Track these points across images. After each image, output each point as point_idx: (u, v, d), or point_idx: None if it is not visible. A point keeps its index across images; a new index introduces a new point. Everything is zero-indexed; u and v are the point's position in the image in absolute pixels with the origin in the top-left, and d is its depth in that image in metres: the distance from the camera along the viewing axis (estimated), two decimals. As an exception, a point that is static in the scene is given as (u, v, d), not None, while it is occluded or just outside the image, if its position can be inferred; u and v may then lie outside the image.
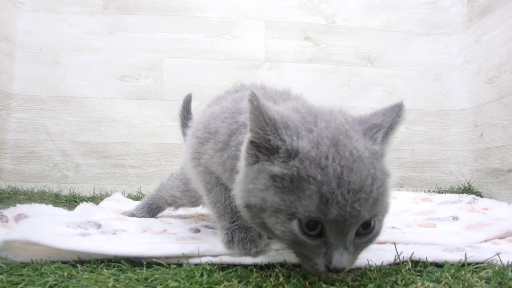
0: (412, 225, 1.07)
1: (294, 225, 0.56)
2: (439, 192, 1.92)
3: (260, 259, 0.68)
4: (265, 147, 0.59)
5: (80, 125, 1.94)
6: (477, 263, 0.69)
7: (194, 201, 1.08)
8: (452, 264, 0.68)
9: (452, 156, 2.16)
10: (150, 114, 1.98)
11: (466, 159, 2.12)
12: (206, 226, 1.00)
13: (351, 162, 0.55)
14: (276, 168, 0.57)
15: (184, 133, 1.35)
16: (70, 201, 1.62)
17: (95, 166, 1.92)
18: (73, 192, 1.81)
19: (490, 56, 1.98)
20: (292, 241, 0.58)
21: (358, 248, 0.59)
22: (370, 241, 0.60)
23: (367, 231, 0.58)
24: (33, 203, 1.13)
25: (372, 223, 0.58)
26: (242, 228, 0.72)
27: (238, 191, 0.62)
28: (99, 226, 0.90)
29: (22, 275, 0.62)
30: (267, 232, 0.62)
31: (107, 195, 1.76)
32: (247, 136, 0.61)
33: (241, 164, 0.63)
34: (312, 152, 0.56)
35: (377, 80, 2.17)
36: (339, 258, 0.55)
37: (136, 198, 1.70)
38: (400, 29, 2.22)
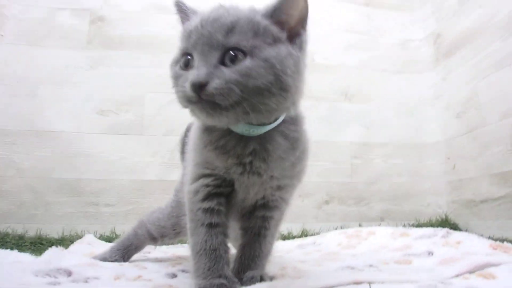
0: (389, 262, 1.07)
1: (177, 66, 0.72)
2: (418, 225, 1.96)
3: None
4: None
5: (54, 161, 1.83)
6: (448, 299, 0.72)
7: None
8: (425, 301, 0.68)
9: (429, 188, 2.18)
10: (129, 149, 1.90)
11: (442, 191, 2.14)
12: (183, 271, 0.95)
13: (216, 8, 0.70)
14: None
15: (182, 159, 1.30)
16: (36, 244, 1.48)
17: (66, 204, 1.80)
18: (40, 233, 1.66)
19: (456, 93, 2.10)
20: (175, 78, 0.72)
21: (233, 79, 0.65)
22: (240, 75, 0.64)
23: (234, 63, 0.65)
24: (3, 245, 1.06)
25: (240, 57, 0.65)
26: (213, 286, 0.70)
27: None
28: (69, 273, 0.83)
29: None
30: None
31: (77, 235, 1.65)
32: None
33: None
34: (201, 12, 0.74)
35: (355, 115, 2.21)
36: (196, 73, 0.64)
37: (108, 239, 1.59)
38: (376, 67, 2.31)
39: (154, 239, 1.13)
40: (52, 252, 1.12)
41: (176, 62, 0.73)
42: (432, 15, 2.38)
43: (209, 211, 0.78)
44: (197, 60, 0.67)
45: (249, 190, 0.80)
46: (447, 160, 2.15)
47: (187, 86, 0.64)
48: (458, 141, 2.05)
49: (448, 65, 2.19)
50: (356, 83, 2.26)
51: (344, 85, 2.24)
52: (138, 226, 1.14)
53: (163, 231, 1.10)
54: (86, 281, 0.80)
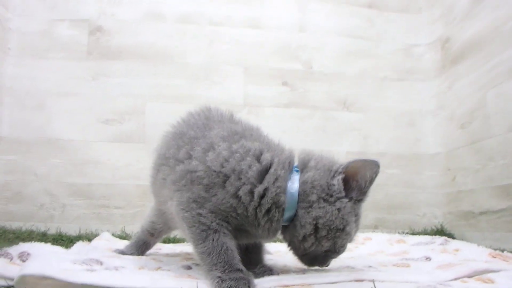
0: (387, 265, 1.23)
1: None
2: (412, 234, 2.15)
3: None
4: (362, 191, 1.00)
5: (66, 167, 2.20)
6: (447, 299, 0.77)
7: (170, 222, 1.27)
8: (424, 300, 0.78)
9: (425, 199, 2.44)
10: (133, 157, 2.27)
11: (439, 202, 2.40)
12: (196, 264, 1.17)
13: None
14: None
15: None
16: (58, 240, 1.85)
17: (80, 206, 2.18)
18: (60, 231, 2.04)
19: (462, 102, 2.24)
20: None
21: None
22: None
23: None
24: (30, 242, 1.33)
25: None
26: (232, 279, 0.86)
27: (335, 218, 0.97)
28: (101, 263, 1.08)
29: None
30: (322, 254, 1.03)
31: (93, 234, 2.00)
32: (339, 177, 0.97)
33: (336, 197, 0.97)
34: None
35: (352, 124, 2.47)
36: None
37: (120, 238, 1.93)
38: (375, 75, 2.55)
39: (152, 235, 1.44)
40: (80, 246, 1.43)
41: None
42: (440, 18, 2.51)
43: (218, 224, 0.99)
44: None
45: None
46: (446, 171, 2.36)
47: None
48: (460, 153, 2.25)
49: (455, 72, 2.32)
50: (355, 91, 2.51)
51: (343, 94, 2.50)
52: (141, 224, 1.48)
53: (154, 226, 1.41)
54: (116, 269, 1.04)
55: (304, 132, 2.48)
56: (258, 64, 2.51)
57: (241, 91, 2.47)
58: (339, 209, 0.97)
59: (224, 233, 0.97)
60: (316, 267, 1.11)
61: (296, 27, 2.60)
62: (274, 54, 2.54)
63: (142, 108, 2.37)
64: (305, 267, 1.12)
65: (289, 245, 1.06)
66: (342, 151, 2.47)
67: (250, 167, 0.97)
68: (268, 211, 0.96)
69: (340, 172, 0.97)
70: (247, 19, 2.55)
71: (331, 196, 0.96)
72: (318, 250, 1.01)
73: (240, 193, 0.96)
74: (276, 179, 0.96)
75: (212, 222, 0.97)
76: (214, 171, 0.97)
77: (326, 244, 0.99)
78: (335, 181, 0.96)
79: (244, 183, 0.96)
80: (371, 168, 0.98)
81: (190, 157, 1.04)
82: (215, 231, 0.96)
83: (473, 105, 2.17)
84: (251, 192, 0.96)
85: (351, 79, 2.57)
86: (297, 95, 2.51)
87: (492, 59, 2.04)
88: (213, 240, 0.95)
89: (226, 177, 0.97)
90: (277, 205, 0.96)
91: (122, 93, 2.36)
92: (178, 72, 2.44)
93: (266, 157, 0.99)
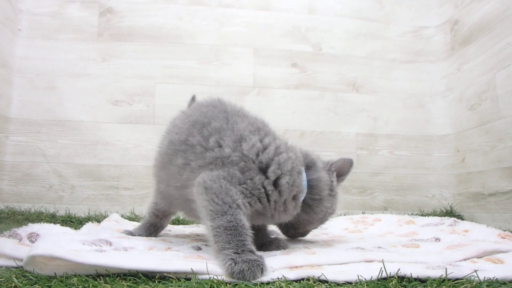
0: (396, 245, 1.20)
1: None
2: (422, 215, 2.09)
3: (261, 279, 0.82)
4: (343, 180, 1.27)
5: (75, 148, 2.15)
6: (456, 279, 0.79)
7: (173, 207, 1.30)
8: (434, 280, 0.78)
9: (435, 181, 2.39)
10: (143, 138, 2.21)
11: (448, 183, 2.35)
12: (206, 245, 1.14)
13: None
14: None
15: None
16: (66, 221, 1.80)
17: (89, 187, 2.13)
18: (69, 212, 2.00)
19: (471, 84, 2.19)
20: None
21: None
22: None
23: None
24: (38, 222, 1.28)
25: None
26: (245, 261, 0.83)
27: (335, 206, 1.24)
28: (110, 243, 1.04)
29: (50, 286, 0.75)
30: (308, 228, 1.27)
31: (102, 215, 1.96)
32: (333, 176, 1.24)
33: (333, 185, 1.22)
34: None
35: (362, 106, 2.42)
36: None
37: (129, 219, 1.88)
38: (384, 57, 2.48)
39: (157, 216, 1.40)
40: (89, 227, 1.39)
41: None
42: (449, 1, 2.44)
43: (243, 203, 0.99)
44: None
45: None
46: (456, 153, 2.31)
47: None
48: (469, 134, 2.20)
49: (464, 54, 2.26)
50: (364, 73, 2.44)
51: (352, 76, 2.44)
52: (148, 207, 1.43)
53: (159, 207, 1.37)
54: (126, 249, 1.01)
55: (314, 113, 2.41)
56: (267, 45, 2.44)
57: (251, 73, 2.39)
58: (337, 199, 1.25)
59: (243, 212, 0.98)
60: (321, 249, 1.20)
61: (306, 9, 2.51)
62: (284, 36, 2.46)
63: (152, 89, 2.30)
64: (309, 246, 1.23)
65: (281, 226, 1.30)
66: (352, 132, 2.42)
67: (287, 160, 1.07)
68: (294, 197, 1.09)
69: (333, 171, 1.24)
70: (257, 1, 2.47)
71: (332, 190, 1.21)
72: (314, 228, 1.31)
73: (282, 181, 1.05)
74: (299, 172, 1.10)
75: (238, 199, 0.99)
76: (251, 158, 1.05)
77: (322, 224, 1.27)
78: (333, 178, 1.23)
79: (283, 174, 1.06)
80: (350, 165, 1.28)
81: (220, 145, 1.08)
82: (238, 207, 0.97)
83: (482, 87, 2.12)
84: (287, 182, 1.06)
85: (360, 61, 2.49)
86: (307, 77, 2.44)
87: (501, 41, 2.00)
88: (232, 215, 0.95)
89: (262, 164, 1.05)
90: (300, 193, 1.11)
91: (132, 74, 2.29)
92: (188, 54, 2.36)
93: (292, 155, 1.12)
